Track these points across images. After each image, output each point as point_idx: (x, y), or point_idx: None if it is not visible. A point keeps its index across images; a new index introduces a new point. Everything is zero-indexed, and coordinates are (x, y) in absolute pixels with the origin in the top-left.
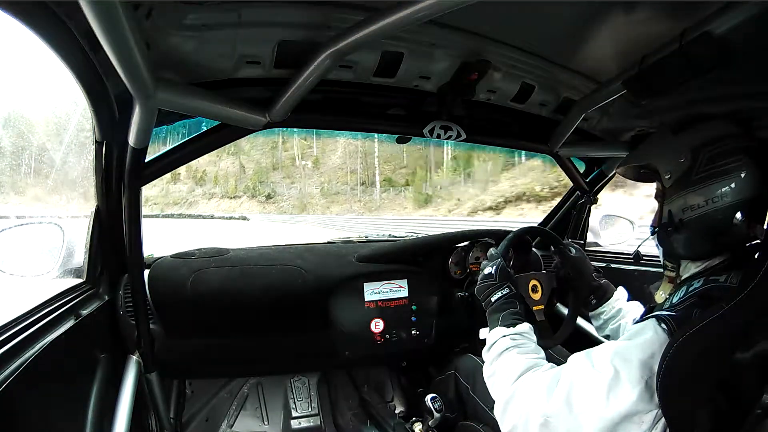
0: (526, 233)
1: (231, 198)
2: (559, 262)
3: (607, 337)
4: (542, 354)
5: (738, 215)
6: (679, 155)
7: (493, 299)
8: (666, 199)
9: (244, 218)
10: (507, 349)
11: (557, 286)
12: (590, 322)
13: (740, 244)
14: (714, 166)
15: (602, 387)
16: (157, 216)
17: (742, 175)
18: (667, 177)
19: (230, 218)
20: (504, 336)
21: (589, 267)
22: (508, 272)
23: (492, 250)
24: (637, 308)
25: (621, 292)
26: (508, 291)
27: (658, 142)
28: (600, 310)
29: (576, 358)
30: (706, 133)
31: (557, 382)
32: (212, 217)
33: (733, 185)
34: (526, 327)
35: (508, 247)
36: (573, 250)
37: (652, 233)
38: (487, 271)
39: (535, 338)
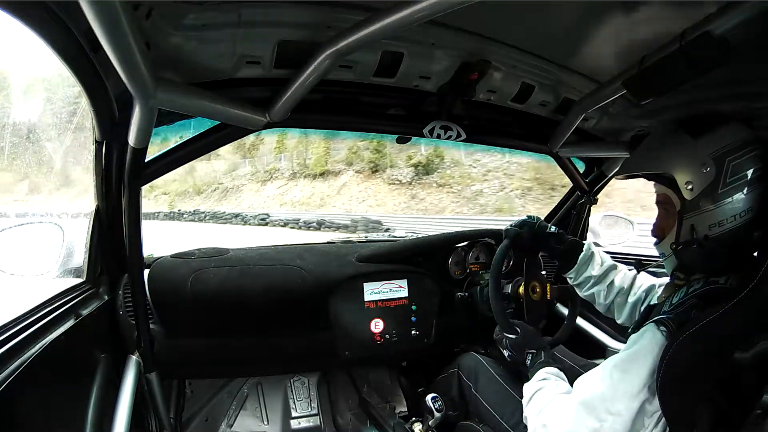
0: (508, 247)
1: (262, 182)
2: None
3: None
4: (562, 387)
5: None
6: (702, 164)
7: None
8: (687, 212)
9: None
10: (530, 398)
11: (543, 268)
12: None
13: (755, 254)
14: (739, 177)
15: (604, 404)
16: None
17: (764, 185)
18: (688, 188)
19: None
20: (528, 391)
21: (544, 234)
22: (513, 342)
23: (497, 329)
24: (611, 269)
25: (588, 251)
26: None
27: (672, 146)
28: (568, 274)
29: (579, 382)
30: (726, 139)
31: (567, 406)
32: (213, 217)
33: (757, 198)
34: (542, 374)
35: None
36: (524, 228)
37: (674, 251)
38: (506, 353)
39: (548, 376)
